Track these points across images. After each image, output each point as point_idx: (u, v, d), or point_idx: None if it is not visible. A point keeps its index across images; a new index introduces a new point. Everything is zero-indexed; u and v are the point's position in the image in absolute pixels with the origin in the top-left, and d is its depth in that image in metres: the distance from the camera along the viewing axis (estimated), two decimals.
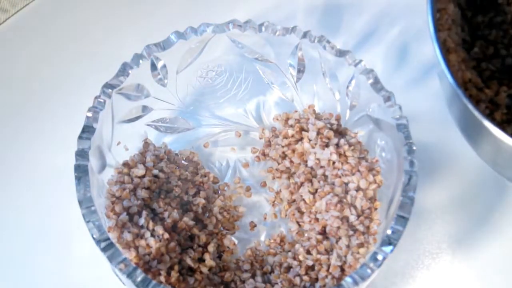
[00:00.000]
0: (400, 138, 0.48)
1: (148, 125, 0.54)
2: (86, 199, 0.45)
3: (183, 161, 0.54)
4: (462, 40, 0.54)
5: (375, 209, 0.49)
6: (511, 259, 0.54)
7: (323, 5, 0.65)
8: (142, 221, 0.47)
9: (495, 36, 0.56)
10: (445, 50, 0.51)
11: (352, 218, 0.48)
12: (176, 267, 0.47)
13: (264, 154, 0.55)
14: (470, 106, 0.44)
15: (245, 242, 0.53)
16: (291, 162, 0.53)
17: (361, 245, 0.48)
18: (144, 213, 0.47)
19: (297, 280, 0.48)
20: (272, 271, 0.50)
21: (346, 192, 0.50)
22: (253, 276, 0.50)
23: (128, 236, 0.46)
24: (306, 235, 0.51)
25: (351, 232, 0.48)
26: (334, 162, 0.50)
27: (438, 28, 0.50)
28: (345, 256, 0.48)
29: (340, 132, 0.52)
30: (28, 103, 0.60)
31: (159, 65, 0.52)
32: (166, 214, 0.48)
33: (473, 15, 0.56)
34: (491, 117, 0.52)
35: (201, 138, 0.57)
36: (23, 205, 0.56)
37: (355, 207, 0.49)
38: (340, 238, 0.48)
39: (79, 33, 0.64)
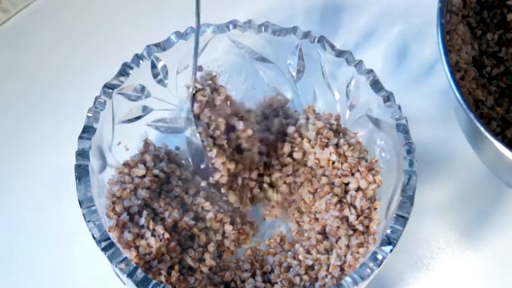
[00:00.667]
0: (399, 138, 0.48)
1: (148, 125, 0.54)
2: (86, 199, 0.45)
3: (183, 161, 0.54)
4: (472, 58, 0.55)
5: (375, 209, 0.49)
6: (511, 257, 0.54)
7: (323, 5, 0.65)
8: (142, 221, 0.47)
9: (505, 54, 0.56)
10: (456, 71, 0.51)
11: (352, 218, 0.49)
12: (177, 267, 0.47)
13: None
14: (482, 129, 0.44)
15: None
16: None
17: (360, 244, 0.48)
18: (145, 213, 0.48)
19: (297, 280, 0.48)
20: (272, 271, 0.50)
21: (346, 192, 0.50)
22: (253, 275, 0.50)
23: (128, 236, 0.46)
24: (306, 235, 0.51)
25: (350, 232, 0.48)
26: (333, 162, 0.50)
27: (448, 49, 0.50)
28: (345, 256, 0.48)
29: (339, 132, 0.52)
30: (29, 103, 0.60)
31: (159, 65, 0.52)
32: (166, 214, 0.49)
33: (483, 33, 0.56)
34: (502, 135, 0.52)
35: None
36: (24, 205, 0.56)
37: (354, 207, 0.49)
38: (339, 238, 0.48)
39: (80, 33, 0.64)
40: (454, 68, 0.51)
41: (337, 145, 0.51)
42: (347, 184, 0.50)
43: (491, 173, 0.53)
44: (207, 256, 0.49)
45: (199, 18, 0.47)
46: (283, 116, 0.53)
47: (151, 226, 0.47)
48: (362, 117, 0.52)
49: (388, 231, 0.45)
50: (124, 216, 0.47)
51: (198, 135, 0.47)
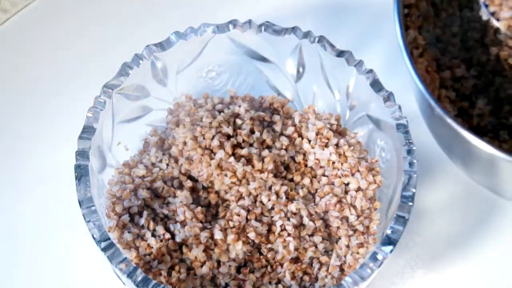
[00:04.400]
0: (399, 138, 0.48)
1: (148, 125, 0.54)
2: (86, 199, 0.45)
3: None
4: (436, 38, 0.54)
5: (375, 209, 0.49)
6: (511, 258, 0.54)
7: (323, 5, 0.65)
8: (142, 221, 0.47)
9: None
10: (414, 47, 0.51)
11: (352, 218, 0.49)
12: (177, 267, 0.47)
13: None
14: (432, 101, 0.44)
15: None
16: None
17: (360, 245, 0.48)
18: (145, 213, 0.48)
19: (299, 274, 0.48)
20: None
21: (346, 192, 0.50)
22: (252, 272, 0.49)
23: (128, 236, 0.46)
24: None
25: (350, 232, 0.48)
26: (333, 162, 0.50)
27: (407, 25, 0.50)
28: (345, 256, 0.48)
29: (339, 132, 0.52)
30: (28, 103, 0.60)
31: (159, 65, 0.52)
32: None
33: (448, 14, 0.56)
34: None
35: None
36: (23, 205, 0.56)
37: (354, 207, 0.49)
38: (339, 238, 0.48)
39: (80, 33, 0.64)
40: (411, 44, 0.51)
41: (337, 145, 0.51)
42: (347, 184, 0.50)
43: None
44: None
45: None
46: (283, 116, 0.53)
47: (151, 227, 0.47)
48: (362, 117, 0.52)
49: (388, 231, 0.45)
50: (125, 217, 0.47)
51: None
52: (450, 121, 0.45)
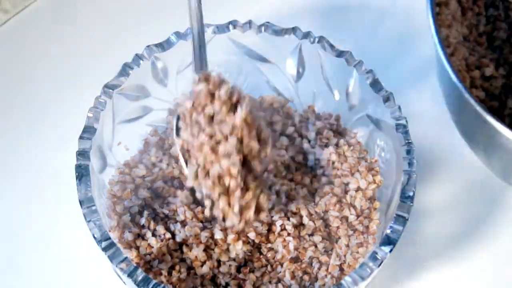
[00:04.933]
0: (399, 138, 0.48)
1: (148, 125, 0.54)
2: (87, 199, 0.45)
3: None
4: (463, 37, 0.54)
5: (375, 209, 0.49)
6: (511, 258, 0.54)
7: (323, 5, 0.65)
8: (143, 221, 0.47)
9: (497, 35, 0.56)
10: (446, 46, 0.51)
11: (352, 218, 0.49)
12: (177, 267, 0.47)
13: None
14: (472, 101, 0.44)
15: None
16: None
17: (360, 244, 0.48)
18: (145, 213, 0.48)
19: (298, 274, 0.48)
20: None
21: (346, 192, 0.50)
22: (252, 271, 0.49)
23: (129, 236, 0.46)
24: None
25: (350, 232, 0.49)
26: (333, 162, 0.50)
27: (438, 24, 0.49)
28: (345, 256, 0.48)
29: (339, 132, 0.53)
30: (29, 104, 0.60)
31: (160, 65, 0.52)
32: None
33: (474, 14, 0.56)
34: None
35: None
36: (23, 205, 0.56)
37: (354, 207, 0.49)
38: (339, 237, 0.49)
39: (80, 33, 0.64)
40: (444, 43, 0.51)
41: (337, 145, 0.51)
42: (347, 184, 0.50)
43: (491, 172, 0.53)
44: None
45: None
46: (283, 116, 0.53)
47: (152, 226, 0.47)
48: (362, 117, 0.52)
49: (388, 231, 0.45)
50: (125, 217, 0.47)
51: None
52: (490, 119, 0.43)
